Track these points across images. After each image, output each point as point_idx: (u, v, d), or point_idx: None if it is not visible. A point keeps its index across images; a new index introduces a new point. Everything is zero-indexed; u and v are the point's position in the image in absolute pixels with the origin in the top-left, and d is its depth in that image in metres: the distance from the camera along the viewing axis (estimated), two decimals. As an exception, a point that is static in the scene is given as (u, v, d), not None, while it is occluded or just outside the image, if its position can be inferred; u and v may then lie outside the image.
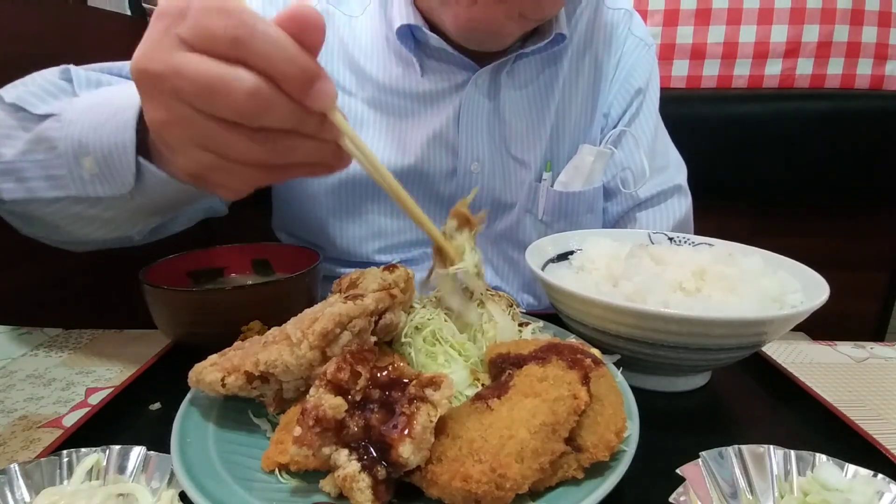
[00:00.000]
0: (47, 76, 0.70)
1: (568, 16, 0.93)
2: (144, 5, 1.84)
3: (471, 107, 0.90)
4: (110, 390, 0.59)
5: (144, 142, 0.58)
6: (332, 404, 0.37)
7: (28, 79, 0.70)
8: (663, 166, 1.00)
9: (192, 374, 0.47)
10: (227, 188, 0.50)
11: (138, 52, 0.45)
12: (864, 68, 1.49)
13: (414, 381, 0.40)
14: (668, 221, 0.98)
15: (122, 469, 0.42)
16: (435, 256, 0.59)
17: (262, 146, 0.44)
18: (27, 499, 0.39)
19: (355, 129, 0.88)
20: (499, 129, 0.93)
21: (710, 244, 0.73)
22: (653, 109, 1.01)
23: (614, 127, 0.98)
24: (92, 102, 0.63)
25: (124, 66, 0.78)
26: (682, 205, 1.01)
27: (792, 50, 1.48)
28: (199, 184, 0.51)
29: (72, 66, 0.73)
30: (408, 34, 0.86)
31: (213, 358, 0.48)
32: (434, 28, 0.86)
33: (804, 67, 1.49)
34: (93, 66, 0.76)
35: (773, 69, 1.50)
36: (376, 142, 0.91)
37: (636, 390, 0.49)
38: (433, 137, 0.91)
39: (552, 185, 0.94)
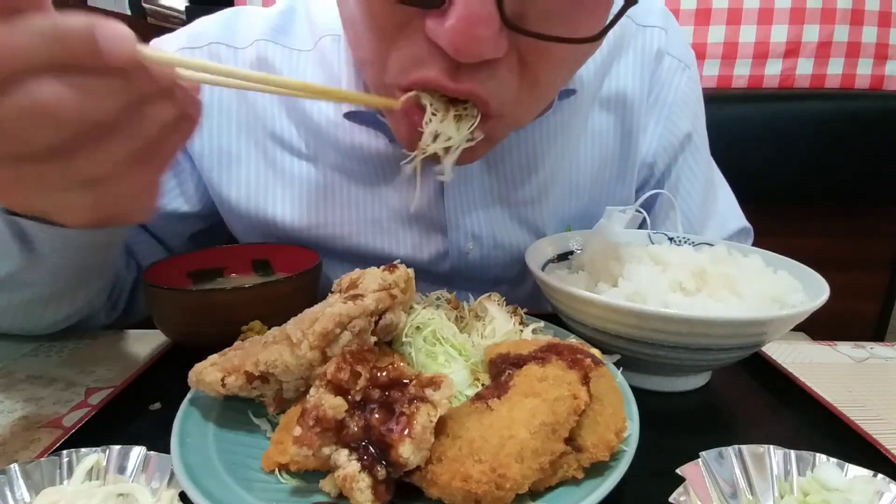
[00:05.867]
0: None
1: None
2: (144, 5, 1.84)
3: (457, 175, 0.69)
4: (110, 390, 0.59)
5: None
6: (332, 404, 0.37)
7: None
8: (716, 206, 0.89)
9: (192, 374, 0.47)
10: (133, 210, 0.43)
11: None
12: (864, 68, 1.49)
13: (414, 381, 0.40)
14: None
15: (122, 469, 0.42)
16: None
17: (116, 142, 0.37)
18: (27, 499, 0.39)
19: (322, 198, 0.75)
20: (499, 188, 0.77)
21: (710, 244, 0.72)
22: (703, 152, 0.86)
23: (661, 178, 0.86)
24: None
25: None
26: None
27: (792, 50, 1.48)
28: (109, 224, 0.43)
29: None
30: (363, 113, 0.71)
31: (213, 358, 0.48)
32: None
33: (804, 67, 1.49)
34: None
35: (773, 69, 1.50)
36: (348, 220, 0.77)
37: (636, 390, 0.49)
38: (413, 217, 0.76)
39: None
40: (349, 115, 0.71)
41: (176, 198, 0.80)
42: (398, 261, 0.54)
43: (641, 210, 0.80)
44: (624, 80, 0.80)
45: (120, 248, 0.71)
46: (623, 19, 0.78)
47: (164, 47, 0.76)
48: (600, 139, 0.81)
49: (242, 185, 0.78)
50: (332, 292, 0.54)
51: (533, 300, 0.79)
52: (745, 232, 0.92)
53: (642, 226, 0.81)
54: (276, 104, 0.76)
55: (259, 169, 0.78)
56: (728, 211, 0.91)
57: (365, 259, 0.80)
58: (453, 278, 0.83)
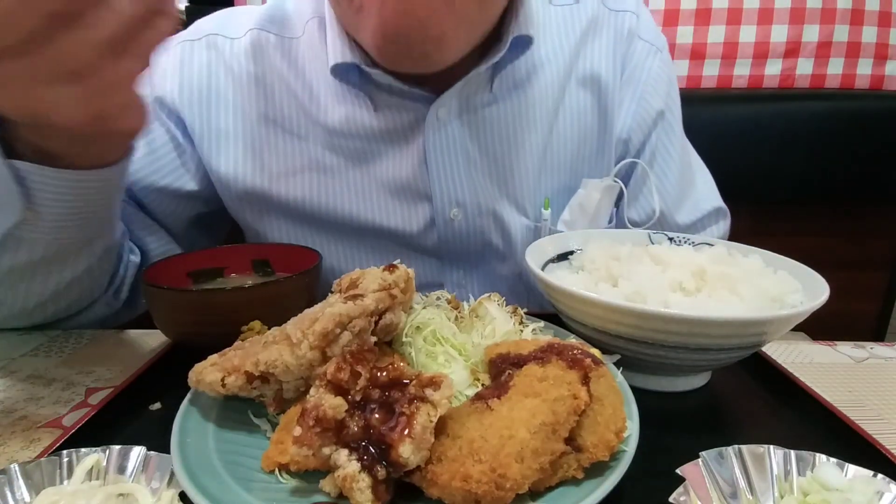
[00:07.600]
0: None
1: (556, 23, 0.84)
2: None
3: (438, 142, 0.78)
4: (110, 390, 0.59)
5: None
6: (332, 404, 0.37)
7: None
8: (693, 188, 0.93)
9: (192, 374, 0.47)
10: (123, 111, 0.45)
11: None
12: (864, 68, 1.49)
13: (414, 381, 0.40)
14: None
15: (122, 469, 0.42)
16: None
17: (83, 31, 0.39)
18: (27, 499, 0.39)
19: (313, 174, 0.80)
20: (480, 160, 0.81)
21: (710, 244, 0.72)
22: (677, 131, 0.90)
23: (636, 154, 0.89)
24: None
25: None
26: (721, 227, 0.95)
27: (792, 50, 1.48)
28: (104, 126, 0.45)
29: None
30: (349, 69, 0.75)
31: (213, 358, 0.48)
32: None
33: (804, 67, 1.50)
34: None
35: (773, 69, 1.50)
36: (340, 193, 0.82)
37: (636, 390, 0.49)
38: (401, 185, 0.81)
39: (554, 226, 0.83)
40: (335, 71, 0.75)
41: (181, 176, 0.84)
42: (398, 261, 0.54)
43: (618, 180, 0.84)
44: (598, 60, 0.86)
45: (118, 201, 0.70)
46: (596, 4, 0.87)
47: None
48: (579, 116, 0.86)
49: (239, 161, 0.83)
50: (332, 292, 0.54)
51: (524, 276, 0.84)
52: (720, 212, 0.95)
53: (620, 197, 0.85)
54: (268, 88, 0.81)
55: (254, 146, 0.83)
56: (704, 190, 0.95)
57: (357, 231, 0.84)
58: (442, 250, 0.85)
